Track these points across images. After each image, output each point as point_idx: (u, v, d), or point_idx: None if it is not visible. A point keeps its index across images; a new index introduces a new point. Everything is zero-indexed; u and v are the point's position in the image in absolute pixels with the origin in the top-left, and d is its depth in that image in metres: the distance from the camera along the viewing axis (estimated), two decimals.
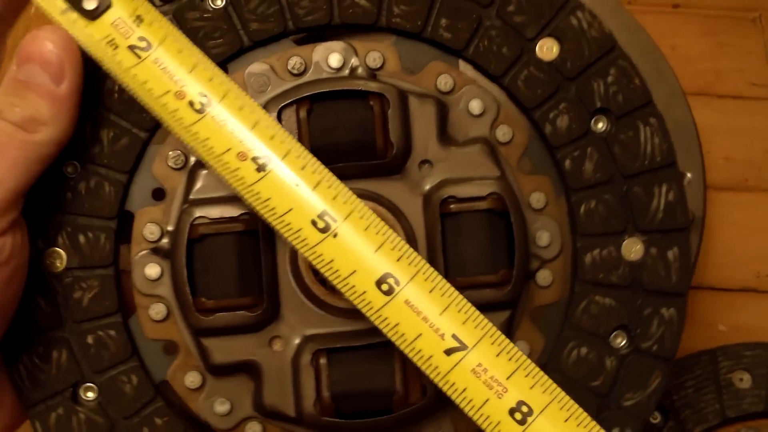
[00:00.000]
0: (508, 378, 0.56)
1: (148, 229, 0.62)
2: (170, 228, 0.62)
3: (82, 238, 0.61)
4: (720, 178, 0.97)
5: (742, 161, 0.98)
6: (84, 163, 0.62)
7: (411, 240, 0.62)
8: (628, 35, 0.92)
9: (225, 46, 0.62)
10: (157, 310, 0.62)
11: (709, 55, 1.01)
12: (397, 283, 0.56)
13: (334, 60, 0.63)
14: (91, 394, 0.62)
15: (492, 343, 0.56)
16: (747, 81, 0.99)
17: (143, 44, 0.57)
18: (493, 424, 0.56)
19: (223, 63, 0.63)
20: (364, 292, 0.56)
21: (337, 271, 0.56)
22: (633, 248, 0.63)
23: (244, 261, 0.61)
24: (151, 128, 0.62)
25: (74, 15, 0.57)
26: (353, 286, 0.56)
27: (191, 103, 0.57)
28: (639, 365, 0.63)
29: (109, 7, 0.58)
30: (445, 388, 0.56)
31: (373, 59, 0.63)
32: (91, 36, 0.57)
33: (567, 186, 0.63)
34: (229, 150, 0.57)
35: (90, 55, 0.58)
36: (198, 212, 0.61)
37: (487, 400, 0.56)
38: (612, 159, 0.63)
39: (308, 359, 0.61)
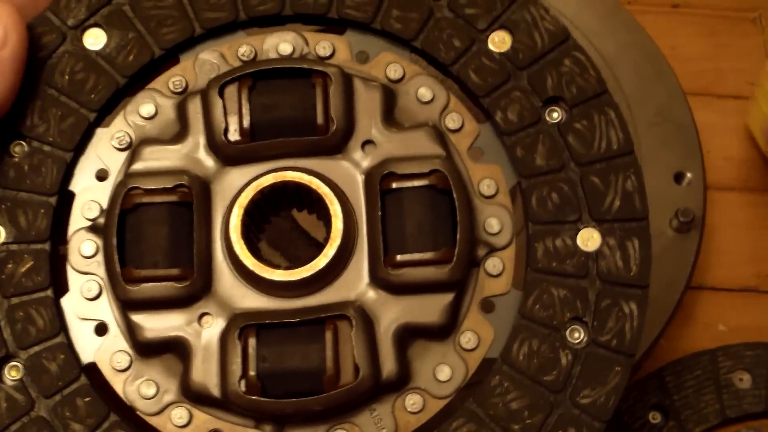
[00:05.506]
0: None
1: (86, 206, 0.62)
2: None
3: (20, 213, 0.61)
4: (720, 178, 0.97)
5: (743, 161, 0.98)
6: (31, 142, 0.62)
7: (351, 218, 0.60)
8: (628, 35, 0.93)
9: (176, 33, 0.63)
10: (89, 287, 0.61)
11: (709, 55, 1.01)
12: None
13: (284, 48, 0.63)
14: (14, 373, 0.60)
15: None
16: (747, 81, 0.99)
17: None
18: None
19: (176, 51, 0.64)
20: None
21: None
22: (589, 238, 0.61)
23: (176, 232, 0.60)
24: (98, 109, 0.62)
25: None
26: None
27: None
28: (597, 360, 0.59)
29: None
30: None
31: (323, 48, 0.63)
32: None
33: (519, 173, 0.62)
34: None
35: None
36: (133, 183, 0.60)
37: None
38: (566, 147, 0.62)
39: (236, 335, 0.58)
